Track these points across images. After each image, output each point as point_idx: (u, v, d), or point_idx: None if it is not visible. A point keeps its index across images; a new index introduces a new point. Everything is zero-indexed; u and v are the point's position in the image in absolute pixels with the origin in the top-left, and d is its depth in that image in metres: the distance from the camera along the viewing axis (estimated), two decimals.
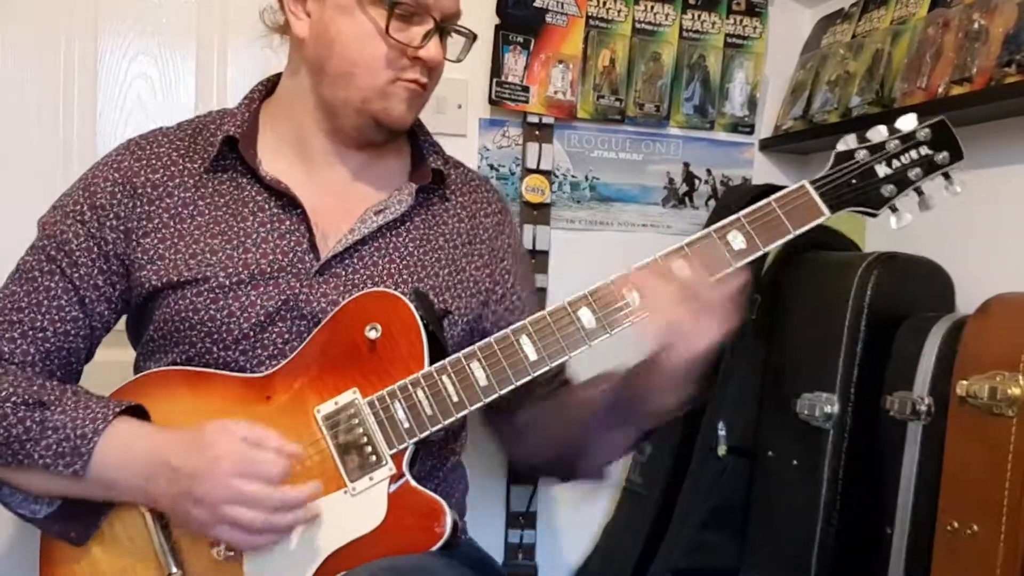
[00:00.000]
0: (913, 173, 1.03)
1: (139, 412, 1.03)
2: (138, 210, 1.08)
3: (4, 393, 0.99)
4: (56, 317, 1.05)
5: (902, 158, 1.03)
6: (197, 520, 0.95)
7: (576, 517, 1.81)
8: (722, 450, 1.60)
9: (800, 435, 1.46)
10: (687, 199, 1.87)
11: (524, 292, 1.27)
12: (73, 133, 1.52)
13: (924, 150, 1.03)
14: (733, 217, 1.03)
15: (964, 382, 1.17)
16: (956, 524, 1.17)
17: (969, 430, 1.17)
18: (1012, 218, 1.46)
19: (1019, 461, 1.11)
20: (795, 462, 1.47)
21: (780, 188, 1.77)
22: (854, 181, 1.03)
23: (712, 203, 1.87)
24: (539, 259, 1.73)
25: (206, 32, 1.57)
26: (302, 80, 1.13)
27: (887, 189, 1.03)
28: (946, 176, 1.04)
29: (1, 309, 1.05)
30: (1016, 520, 1.10)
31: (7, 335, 1.04)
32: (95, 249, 1.07)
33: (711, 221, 1.82)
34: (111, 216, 1.07)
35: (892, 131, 1.04)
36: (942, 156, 1.03)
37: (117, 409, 1.00)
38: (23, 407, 0.98)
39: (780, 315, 1.59)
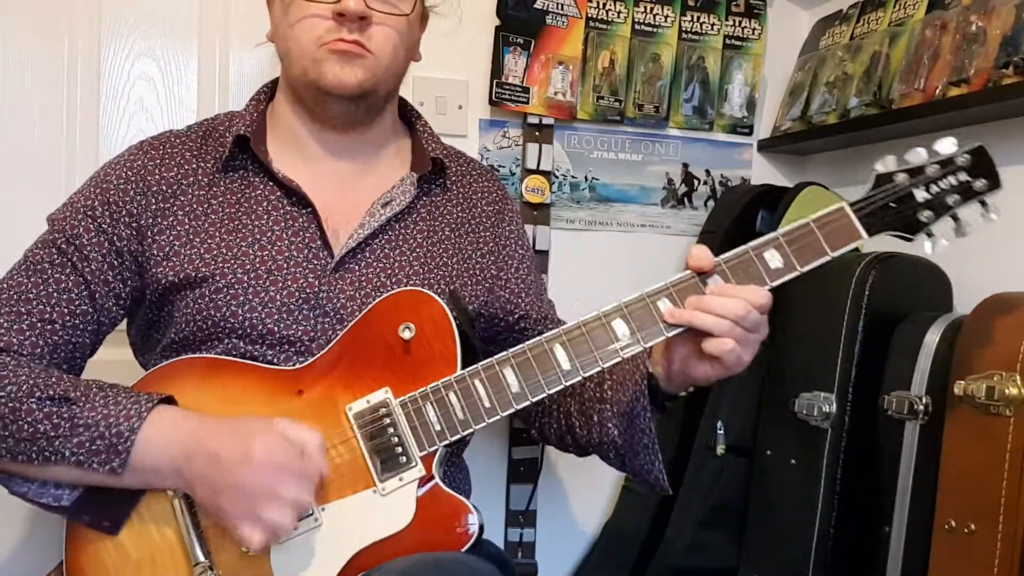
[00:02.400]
0: (951, 199, 1.02)
1: (169, 403, 1.02)
2: (152, 207, 1.09)
3: (26, 387, 0.97)
4: (65, 310, 1.05)
5: (940, 183, 1.03)
6: (227, 512, 0.94)
7: (576, 515, 1.81)
8: (721, 449, 1.61)
9: (798, 434, 1.46)
10: (686, 199, 1.87)
11: (529, 275, 1.28)
12: (76, 134, 1.52)
13: (962, 176, 1.02)
14: (771, 236, 1.01)
15: (962, 382, 1.18)
16: (954, 523, 1.17)
17: (967, 429, 1.18)
18: (1010, 219, 1.46)
19: (1016, 460, 1.11)
20: (793, 461, 1.48)
21: (779, 189, 1.80)
22: (892, 205, 1.02)
23: (711, 203, 1.88)
24: (539, 259, 1.74)
25: (208, 33, 1.58)
26: (283, 77, 1.17)
27: (925, 215, 1.02)
28: (983, 203, 1.04)
29: (7, 300, 1.04)
30: (1013, 519, 1.11)
31: (15, 326, 1.02)
32: (106, 244, 1.07)
33: (710, 221, 1.83)
34: (124, 213, 1.08)
35: (931, 154, 1.04)
36: (980, 183, 1.03)
37: (150, 404, 0.98)
38: (48, 402, 0.96)
39: (778, 315, 1.58)
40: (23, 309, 1.03)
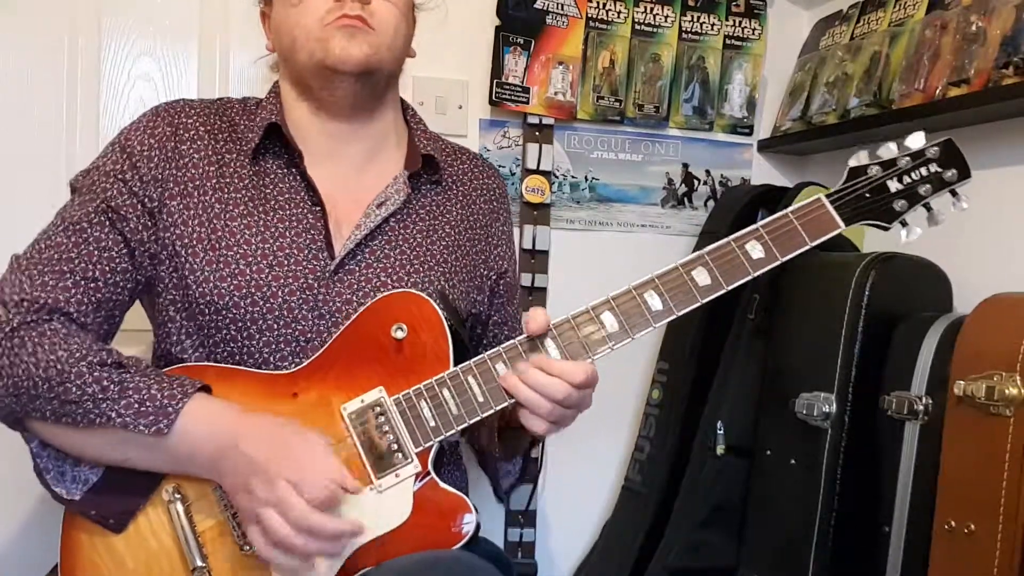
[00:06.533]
0: (923, 189, 1.07)
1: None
2: (167, 173, 1.10)
3: (78, 354, 0.99)
4: (107, 268, 1.06)
5: (912, 175, 1.07)
6: (241, 508, 0.96)
7: (575, 515, 1.81)
8: (720, 449, 1.61)
9: (798, 434, 1.46)
10: (686, 200, 1.87)
11: (513, 278, 1.30)
12: (76, 134, 1.52)
13: (933, 167, 1.07)
14: (752, 227, 1.05)
15: (961, 382, 1.17)
16: (953, 523, 1.17)
17: (966, 430, 1.18)
18: (1009, 219, 1.47)
19: (1016, 460, 1.11)
20: (793, 461, 1.48)
21: (779, 189, 1.80)
22: (867, 195, 1.07)
23: (711, 204, 1.88)
24: (539, 259, 1.74)
25: (208, 33, 1.58)
26: (285, 75, 1.18)
27: (898, 204, 1.07)
28: (953, 193, 1.07)
29: (48, 259, 1.04)
30: (1013, 519, 1.10)
31: (60, 284, 1.03)
32: (139, 206, 1.09)
33: (710, 222, 1.83)
34: (150, 179, 1.10)
35: (902, 148, 1.08)
36: (950, 174, 1.07)
37: (197, 384, 1.01)
38: (99, 367, 0.98)
39: (778, 315, 1.59)
40: (66, 268, 1.04)
